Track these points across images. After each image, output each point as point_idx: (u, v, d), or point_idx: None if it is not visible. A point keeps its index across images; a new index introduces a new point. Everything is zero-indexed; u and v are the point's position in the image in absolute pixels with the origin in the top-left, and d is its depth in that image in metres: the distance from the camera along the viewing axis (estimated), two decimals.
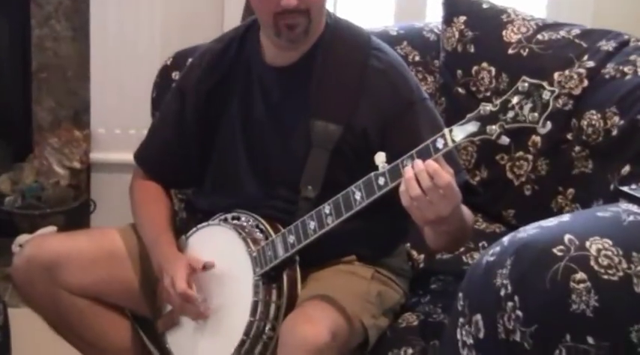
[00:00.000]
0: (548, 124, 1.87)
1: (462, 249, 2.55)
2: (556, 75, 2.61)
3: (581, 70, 2.59)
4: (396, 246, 2.41)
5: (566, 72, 2.60)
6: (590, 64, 2.59)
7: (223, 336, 2.21)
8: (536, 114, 1.86)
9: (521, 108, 1.88)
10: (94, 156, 3.58)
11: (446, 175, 1.93)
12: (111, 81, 3.52)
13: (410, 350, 2.18)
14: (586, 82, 2.57)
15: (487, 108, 1.92)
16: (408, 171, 1.95)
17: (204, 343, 2.27)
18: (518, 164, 2.64)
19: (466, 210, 2.14)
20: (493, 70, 2.71)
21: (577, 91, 2.57)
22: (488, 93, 2.70)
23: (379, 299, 2.26)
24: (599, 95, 2.53)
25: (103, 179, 3.57)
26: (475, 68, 2.74)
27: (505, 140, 1.92)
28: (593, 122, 2.49)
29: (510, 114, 1.89)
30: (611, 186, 2.42)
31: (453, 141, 1.94)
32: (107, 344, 2.42)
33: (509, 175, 2.66)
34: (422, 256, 2.57)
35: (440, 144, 1.95)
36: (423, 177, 1.94)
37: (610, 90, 2.52)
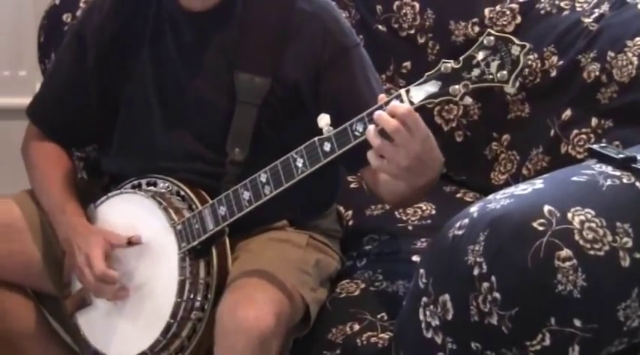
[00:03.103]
0: (517, 83, 1.68)
1: None
2: (487, 11, 2.41)
3: (514, 5, 2.39)
4: (330, 205, 2.22)
5: (497, 7, 2.41)
6: None
7: (146, 319, 1.99)
8: (505, 73, 1.67)
9: (487, 65, 1.68)
10: None
11: (402, 105, 1.69)
12: None
13: (356, 326, 1.98)
14: (519, 19, 2.38)
15: (448, 65, 1.71)
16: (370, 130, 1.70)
17: (124, 326, 2.03)
18: (448, 108, 2.43)
19: None
20: (417, 5, 2.48)
21: (510, 29, 2.37)
22: (412, 31, 2.49)
23: (317, 270, 2.06)
24: (535, 33, 2.34)
25: None
26: (397, 3, 2.49)
27: (468, 101, 1.72)
28: (530, 62, 2.30)
29: (475, 72, 1.69)
30: (552, 132, 2.27)
31: (411, 103, 1.72)
32: (9, 329, 2.14)
33: (438, 120, 2.44)
34: (350, 212, 2.37)
35: None
36: (385, 124, 1.68)
37: (546, 27, 2.34)
